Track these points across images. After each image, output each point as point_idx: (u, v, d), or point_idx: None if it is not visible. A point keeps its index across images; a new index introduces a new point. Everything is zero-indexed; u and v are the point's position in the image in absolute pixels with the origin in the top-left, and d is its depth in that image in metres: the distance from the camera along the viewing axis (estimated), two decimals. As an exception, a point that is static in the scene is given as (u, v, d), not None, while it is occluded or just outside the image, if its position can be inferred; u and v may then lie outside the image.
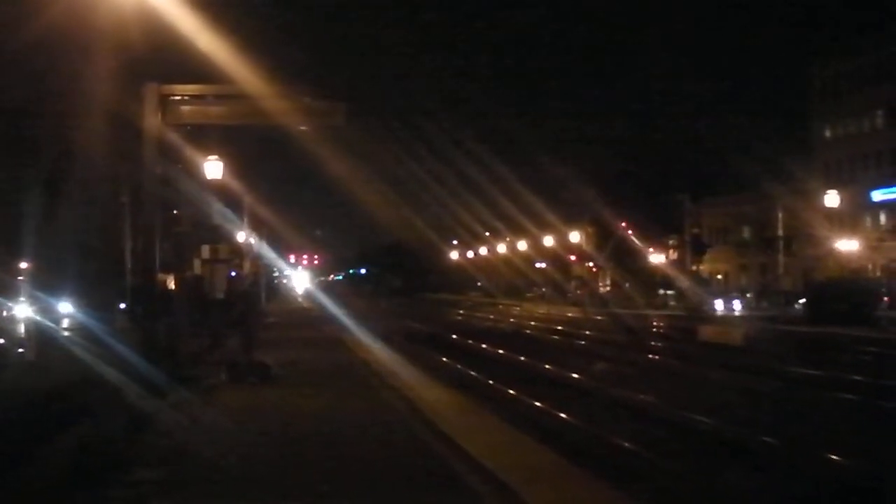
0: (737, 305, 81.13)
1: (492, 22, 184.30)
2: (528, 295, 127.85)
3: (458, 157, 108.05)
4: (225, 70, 24.05)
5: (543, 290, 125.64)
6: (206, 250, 51.65)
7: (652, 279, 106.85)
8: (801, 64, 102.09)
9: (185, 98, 25.56)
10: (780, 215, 77.94)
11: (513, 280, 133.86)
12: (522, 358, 39.23)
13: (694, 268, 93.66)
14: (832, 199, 73.79)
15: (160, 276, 29.15)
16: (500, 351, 43.05)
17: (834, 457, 17.72)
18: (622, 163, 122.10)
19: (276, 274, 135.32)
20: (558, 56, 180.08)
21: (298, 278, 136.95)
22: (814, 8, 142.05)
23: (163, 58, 24.36)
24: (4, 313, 41.59)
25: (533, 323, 71.70)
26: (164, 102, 24.72)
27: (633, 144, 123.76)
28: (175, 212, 44.03)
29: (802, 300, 70.00)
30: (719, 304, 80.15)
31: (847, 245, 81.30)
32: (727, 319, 66.50)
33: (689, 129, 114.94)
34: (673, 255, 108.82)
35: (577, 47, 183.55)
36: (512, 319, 78.88)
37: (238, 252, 62.56)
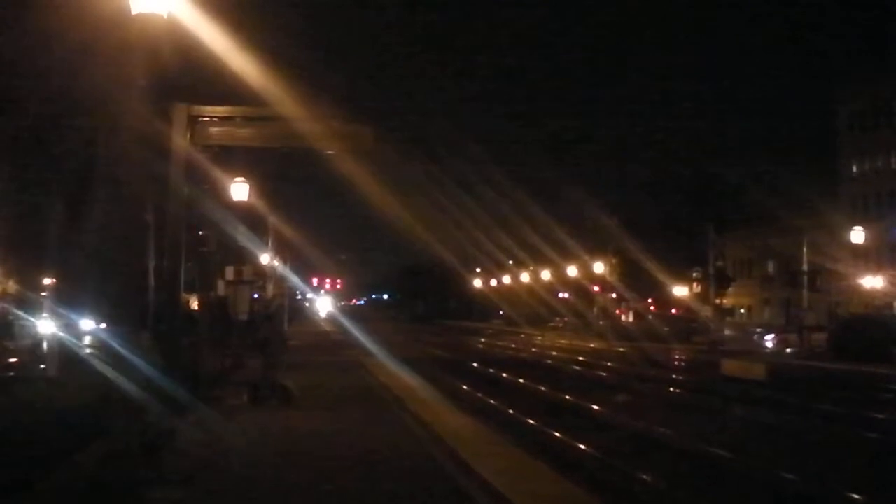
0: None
1: (492, 22, 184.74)
2: (551, 325, 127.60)
3: (483, 185, 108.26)
4: (254, 90, 24.11)
5: (566, 319, 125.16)
6: (230, 271, 51.66)
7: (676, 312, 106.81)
8: (830, 98, 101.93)
9: (214, 119, 25.59)
10: (805, 250, 77.54)
11: (535, 309, 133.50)
12: (543, 388, 39.16)
13: (718, 301, 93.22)
14: (858, 235, 73.43)
15: (183, 295, 29.17)
16: (521, 380, 42.99)
17: (854, 495, 17.68)
18: (646, 193, 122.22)
19: (299, 297, 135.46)
20: (558, 56, 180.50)
21: (321, 302, 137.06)
22: (843, 43, 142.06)
23: (193, 77, 24.44)
24: (27, 329, 41.75)
25: (554, 353, 71.53)
26: (193, 123, 24.76)
27: (656, 175, 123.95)
28: (200, 232, 44.12)
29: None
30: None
31: (872, 282, 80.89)
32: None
33: (712, 160, 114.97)
34: (696, 287, 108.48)
35: (577, 47, 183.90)
36: (534, 349, 78.74)
37: (262, 274, 62.60)
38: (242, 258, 56.24)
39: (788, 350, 69.02)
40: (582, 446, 23.26)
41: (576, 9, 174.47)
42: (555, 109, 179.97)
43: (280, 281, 72.64)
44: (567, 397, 35.48)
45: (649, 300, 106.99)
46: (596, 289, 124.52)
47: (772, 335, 78.60)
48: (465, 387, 38.88)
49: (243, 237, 53.12)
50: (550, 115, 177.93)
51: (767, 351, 72.08)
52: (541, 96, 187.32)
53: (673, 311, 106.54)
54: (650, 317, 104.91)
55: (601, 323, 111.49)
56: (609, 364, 57.29)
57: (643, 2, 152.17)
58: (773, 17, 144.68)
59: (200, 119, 25.10)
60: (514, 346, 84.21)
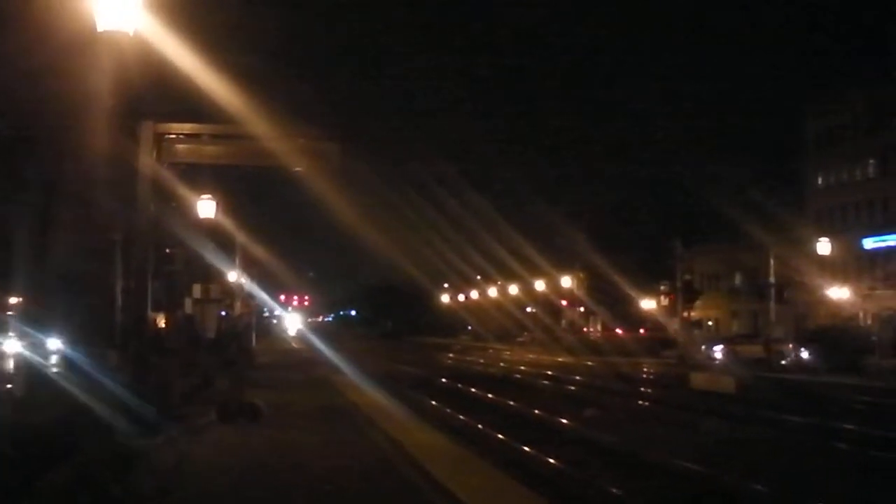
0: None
1: (492, 22, 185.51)
2: (519, 339, 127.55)
3: (450, 200, 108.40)
4: (222, 108, 24.05)
5: (533, 335, 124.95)
6: (197, 290, 51.54)
7: (643, 324, 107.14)
8: (795, 113, 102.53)
9: (181, 137, 25.52)
10: (772, 262, 77.88)
11: (503, 324, 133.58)
12: (511, 402, 39.16)
13: (686, 314, 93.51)
14: (824, 246, 73.73)
15: (151, 314, 29.05)
16: (490, 395, 42.98)
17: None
18: (614, 207, 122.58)
19: (267, 314, 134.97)
20: (558, 56, 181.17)
21: (290, 319, 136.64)
22: (808, 57, 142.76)
23: (159, 95, 24.37)
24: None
25: (523, 368, 71.51)
26: (159, 141, 24.68)
27: (625, 186, 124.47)
28: (167, 250, 43.94)
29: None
30: None
31: (839, 293, 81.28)
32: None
33: (680, 173, 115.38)
34: (664, 301, 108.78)
35: (577, 47, 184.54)
36: (502, 364, 78.69)
37: (229, 292, 62.46)
38: (210, 276, 56.11)
39: (785, 363, 68.10)
40: (551, 460, 23.27)
41: (576, 9, 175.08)
42: (555, 109, 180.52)
43: (248, 298, 72.48)
44: (536, 412, 35.48)
45: (618, 329, 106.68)
46: (564, 303, 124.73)
47: (720, 346, 78.92)
48: (434, 403, 38.85)
49: (211, 255, 52.95)
50: (551, 115, 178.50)
51: (717, 362, 71.99)
52: (541, 96, 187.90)
53: (641, 330, 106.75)
54: (619, 330, 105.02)
55: (569, 337, 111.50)
56: (578, 378, 57.33)
57: (643, 2, 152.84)
58: (773, 17, 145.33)
59: (167, 136, 25.03)
60: (482, 361, 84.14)
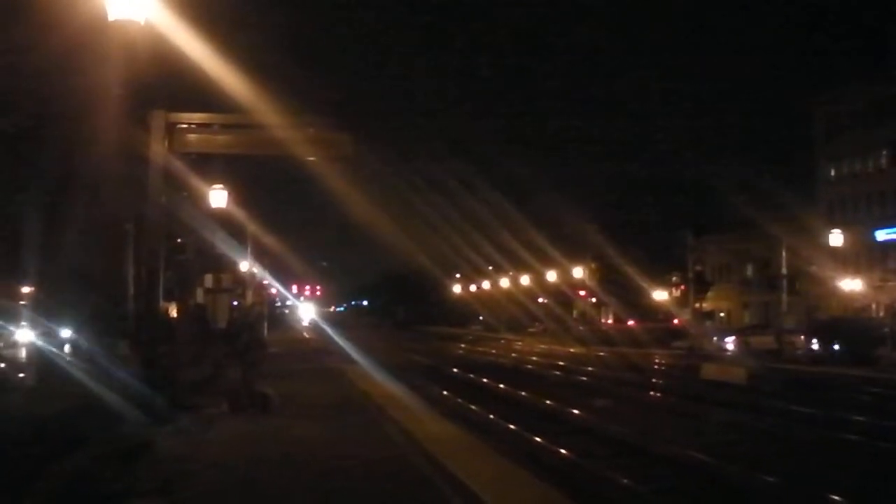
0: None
1: (492, 22, 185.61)
2: (531, 330, 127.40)
3: (462, 192, 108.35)
4: (232, 98, 24.03)
5: (545, 325, 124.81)
6: (209, 279, 51.53)
7: (653, 315, 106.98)
8: (806, 103, 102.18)
9: (192, 126, 25.50)
10: (784, 254, 77.73)
11: (515, 315, 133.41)
12: (523, 393, 39.12)
13: (697, 305, 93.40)
14: (836, 238, 73.55)
15: (163, 304, 29.04)
16: (501, 385, 42.94)
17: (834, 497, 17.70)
18: (626, 198, 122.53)
19: (279, 304, 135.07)
20: (558, 56, 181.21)
21: (303, 309, 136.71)
22: (819, 47, 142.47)
23: (170, 84, 24.37)
24: (6, 338, 41.47)
25: (534, 358, 71.40)
26: (171, 130, 24.67)
27: (626, 187, 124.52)
28: (179, 240, 43.93)
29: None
30: None
31: (851, 285, 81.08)
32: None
33: (682, 172, 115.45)
34: (676, 292, 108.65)
35: (577, 47, 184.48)
36: (513, 354, 78.61)
37: (241, 282, 62.50)
38: (221, 266, 56.13)
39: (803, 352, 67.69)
40: (562, 450, 23.25)
41: (576, 9, 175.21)
42: (555, 109, 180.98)
43: (259, 288, 72.54)
44: (548, 402, 35.44)
45: (630, 322, 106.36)
46: (581, 293, 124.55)
47: (731, 337, 78.82)
48: (445, 392, 38.82)
49: (222, 245, 52.96)
50: (551, 115, 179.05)
51: (728, 353, 71.84)
52: (541, 96, 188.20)
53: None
54: (631, 322, 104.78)
55: (581, 328, 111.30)
56: (589, 369, 57.25)
57: (643, 2, 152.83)
58: (773, 17, 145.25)
59: (178, 126, 25.02)
60: (493, 351, 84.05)
